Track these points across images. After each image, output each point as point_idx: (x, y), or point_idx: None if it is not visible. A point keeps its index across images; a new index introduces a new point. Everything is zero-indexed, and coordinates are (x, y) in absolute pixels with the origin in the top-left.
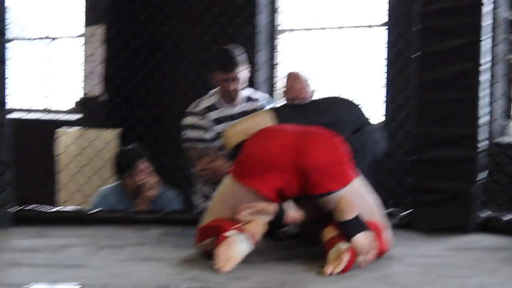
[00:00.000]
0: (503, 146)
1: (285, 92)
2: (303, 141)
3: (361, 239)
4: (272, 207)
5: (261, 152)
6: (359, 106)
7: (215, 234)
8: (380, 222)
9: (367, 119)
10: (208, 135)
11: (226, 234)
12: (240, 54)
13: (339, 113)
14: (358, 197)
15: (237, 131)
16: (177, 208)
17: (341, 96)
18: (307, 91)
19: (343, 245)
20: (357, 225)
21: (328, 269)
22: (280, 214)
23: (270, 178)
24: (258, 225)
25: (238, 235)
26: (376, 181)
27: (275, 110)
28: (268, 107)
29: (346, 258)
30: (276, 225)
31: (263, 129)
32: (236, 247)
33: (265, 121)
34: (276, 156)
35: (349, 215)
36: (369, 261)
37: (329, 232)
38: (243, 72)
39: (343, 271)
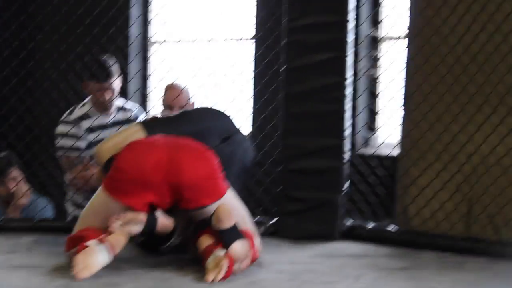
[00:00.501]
0: (365, 157)
1: (164, 102)
2: (176, 157)
3: (238, 247)
4: (142, 216)
5: (133, 169)
6: (228, 116)
7: (79, 243)
8: (251, 230)
9: (236, 128)
10: (81, 144)
11: (87, 243)
12: (113, 64)
13: (208, 122)
14: (231, 208)
15: (109, 146)
16: (49, 216)
17: (210, 107)
18: (186, 101)
19: (220, 252)
20: (234, 233)
21: (210, 276)
22: (152, 222)
23: (143, 194)
24: (120, 237)
25: (98, 245)
26: (245, 188)
27: (144, 123)
28: (140, 116)
29: (225, 264)
30: (150, 234)
31: (135, 143)
32: (94, 256)
33: (135, 134)
34: (148, 173)
35: (227, 224)
36: (243, 268)
37: (205, 241)
38: (116, 82)
39: (224, 278)
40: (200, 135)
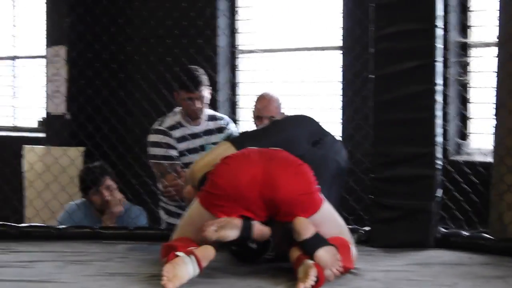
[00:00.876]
0: (458, 163)
1: (254, 112)
2: (271, 172)
3: (323, 254)
4: (237, 221)
5: (229, 185)
6: (316, 120)
7: (171, 252)
8: (348, 239)
9: (325, 131)
10: (173, 152)
11: (177, 253)
12: (202, 74)
13: (296, 129)
14: (327, 221)
15: (201, 165)
16: (143, 224)
17: (297, 114)
18: (276, 111)
19: (309, 262)
20: (316, 241)
21: (300, 286)
22: (247, 227)
23: (238, 209)
24: (208, 249)
25: (186, 257)
26: (343, 191)
27: (233, 139)
28: (231, 125)
29: (313, 273)
30: (246, 242)
31: (229, 157)
32: (184, 267)
33: (226, 151)
34: (244, 189)
35: (307, 234)
36: (336, 274)
37: (295, 252)
38: (205, 92)
39: (316, 286)
40: (290, 142)
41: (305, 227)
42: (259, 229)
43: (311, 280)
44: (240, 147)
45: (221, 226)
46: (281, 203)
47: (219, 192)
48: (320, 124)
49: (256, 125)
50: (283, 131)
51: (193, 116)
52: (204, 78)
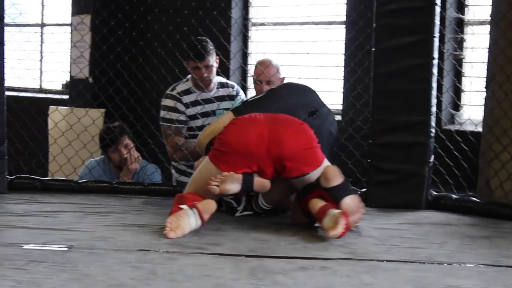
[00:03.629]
0: (450, 132)
1: (253, 76)
2: (276, 130)
3: (349, 201)
4: (239, 175)
5: (238, 143)
6: (313, 91)
7: (180, 204)
8: None
9: (322, 102)
10: (181, 117)
11: (181, 206)
12: (209, 45)
13: (294, 98)
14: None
15: (207, 133)
16: (157, 181)
17: (295, 83)
18: (277, 76)
19: (335, 211)
20: (344, 189)
21: (331, 233)
22: (249, 180)
23: (247, 165)
24: (210, 203)
25: (189, 209)
26: (334, 158)
27: (235, 109)
28: (241, 92)
29: (343, 221)
30: (247, 192)
31: (237, 119)
32: (185, 219)
33: (229, 120)
34: (252, 146)
35: (336, 182)
36: (357, 221)
37: (317, 203)
38: (212, 61)
39: (343, 233)
40: (288, 111)
41: (335, 175)
42: (260, 182)
43: (341, 227)
44: (241, 115)
45: (224, 180)
46: (287, 159)
47: (227, 149)
48: (317, 94)
49: (256, 89)
50: (281, 100)
51: (202, 83)
52: (211, 49)
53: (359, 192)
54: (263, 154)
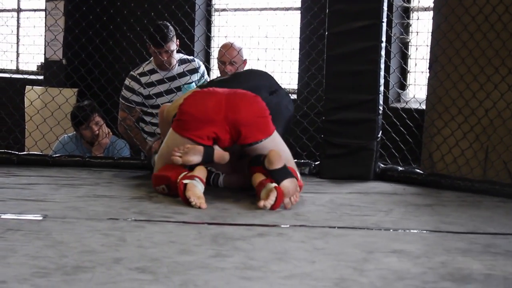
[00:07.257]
0: (397, 110)
1: (218, 58)
2: (233, 99)
3: (288, 184)
4: (200, 147)
5: (197, 110)
6: (271, 75)
7: (165, 182)
8: (294, 168)
9: (279, 85)
10: (134, 98)
11: (185, 181)
12: (169, 31)
13: (256, 81)
14: (277, 146)
15: (173, 107)
16: (126, 155)
17: (256, 69)
18: (240, 58)
19: (271, 185)
20: (284, 172)
21: (261, 203)
22: (209, 152)
23: (207, 129)
24: (203, 170)
25: (194, 180)
26: (290, 133)
27: (199, 86)
28: (202, 66)
29: (274, 194)
30: (207, 163)
31: (196, 91)
32: (198, 189)
33: None
34: (210, 112)
35: (278, 165)
36: (294, 203)
37: (258, 177)
38: (172, 45)
39: (273, 207)
40: (252, 90)
41: (278, 159)
42: (220, 153)
43: (271, 200)
44: None
45: (186, 152)
46: (243, 124)
47: (188, 117)
48: (274, 78)
49: (219, 69)
50: (245, 82)
51: (162, 67)
52: (170, 34)
53: (312, 166)
54: (220, 120)
